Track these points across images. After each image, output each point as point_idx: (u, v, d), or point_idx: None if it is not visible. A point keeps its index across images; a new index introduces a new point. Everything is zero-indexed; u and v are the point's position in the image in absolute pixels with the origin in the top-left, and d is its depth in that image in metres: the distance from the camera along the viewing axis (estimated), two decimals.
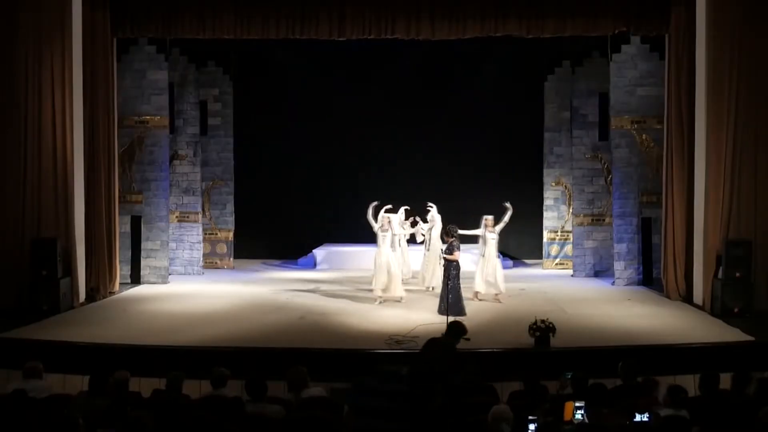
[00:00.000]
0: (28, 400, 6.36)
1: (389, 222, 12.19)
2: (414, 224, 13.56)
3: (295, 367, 6.90)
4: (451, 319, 10.18)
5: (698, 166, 11.88)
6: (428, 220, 13.31)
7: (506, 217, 12.10)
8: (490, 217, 12.21)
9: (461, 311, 10.75)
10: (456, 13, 12.38)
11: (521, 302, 12.12)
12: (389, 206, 12.67)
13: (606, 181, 14.87)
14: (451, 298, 10.70)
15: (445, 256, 11.08)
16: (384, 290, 11.89)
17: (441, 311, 10.76)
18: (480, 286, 12.13)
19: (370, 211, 12.24)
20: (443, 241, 11.66)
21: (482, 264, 12.13)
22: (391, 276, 11.85)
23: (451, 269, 10.93)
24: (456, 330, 8.05)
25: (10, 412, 5.99)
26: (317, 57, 15.77)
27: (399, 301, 11.84)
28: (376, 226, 12.11)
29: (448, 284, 10.81)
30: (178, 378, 6.86)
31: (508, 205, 12.11)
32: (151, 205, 14.25)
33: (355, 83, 16.44)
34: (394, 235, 12.27)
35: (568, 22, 12.40)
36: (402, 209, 13.38)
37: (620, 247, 13.85)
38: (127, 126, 14.02)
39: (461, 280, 11.11)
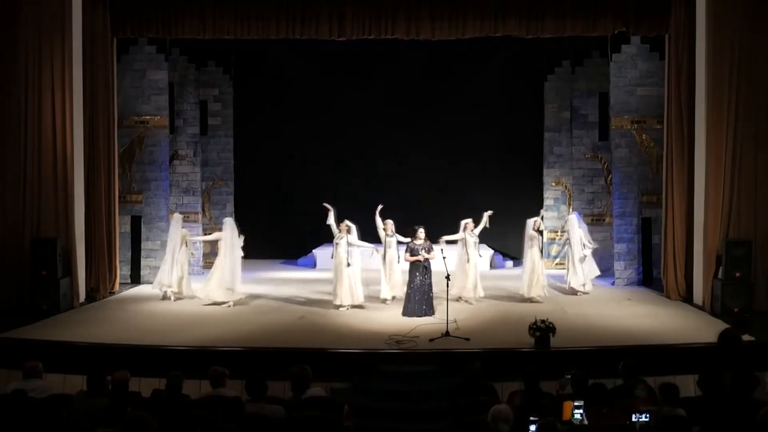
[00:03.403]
0: (28, 400, 6.36)
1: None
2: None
3: (300, 367, 6.88)
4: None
5: (698, 166, 11.88)
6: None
7: (486, 221, 12.09)
8: (470, 221, 12.12)
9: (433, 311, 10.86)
10: (456, 13, 12.40)
11: (521, 302, 12.11)
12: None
13: (606, 181, 14.89)
14: (427, 297, 10.90)
15: (426, 255, 11.00)
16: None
17: (426, 312, 10.87)
18: (470, 291, 12.05)
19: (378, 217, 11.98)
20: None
21: (468, 268, 12.04)
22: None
23: (425, 268, 10.98)
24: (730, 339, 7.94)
25: (10, 412, 5.99)
26: (317, 57, 15.77)
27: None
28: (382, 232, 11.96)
29: (425, 283, 10.91)
30: (178, 378, 6.86)
31: (488, 213, 12.12)
32: (151, 205, 14.26)
33: (356, 83, 16.44)
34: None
35: (567, 22, 12.41)
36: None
37: (620, 247, 13.87)
38: (127, 126, 14.03)
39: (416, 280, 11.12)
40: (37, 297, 11.22)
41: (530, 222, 12.33)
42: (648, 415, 5.72)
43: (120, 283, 13.45)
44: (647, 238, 13.88)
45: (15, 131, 11.59)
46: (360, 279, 11.66)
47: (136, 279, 14.13)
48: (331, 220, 11.66)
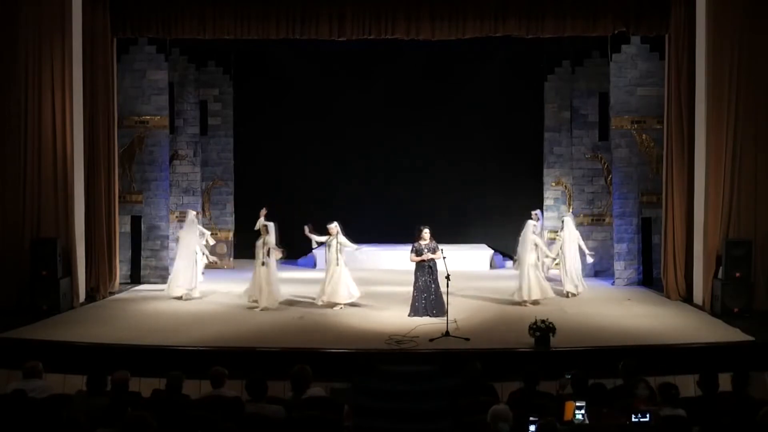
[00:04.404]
0: (28, 400, 6.36)
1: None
2: None
3: (300, 367, 6.88)
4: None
5: (698, 166, 11.88)
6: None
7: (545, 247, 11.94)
8: (539, 223, 11.88)
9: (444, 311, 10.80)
10: (456, 13, 12.39)
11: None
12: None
13: (606, 181, 14.88)
14: (435, 297, 10.85)
15: (431, 255, 10.94)
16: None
17: (437, 313, 10.79)
18: (547, 291, 11.84)
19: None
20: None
21: (540, 269, 11.83)
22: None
23: (431, 268, 10.96)
24: None
25: (10, 412, 5.99)
26: (317, 57, 15.77)
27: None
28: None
29: (431, 283, 10.89)
30: (178, 378, 6.86)
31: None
32: (151, 205, 14.26)
33: (356, 83, 16.44)
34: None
35: (567, 22, 12.41)
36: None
37: (620, 247, 13.87)
38: (127, 126, 14.03)
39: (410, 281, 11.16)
40: (37, 297, 11.22)
41: (569, 220, 12.53)
42: (648, 415, 5.72)
43: (120, 283, 13.45)
44: (647, 238, 13.88)
45: (15, 131, 11.58)
46: (277, 279, 11.87)
47: (136, 279, 14.12)
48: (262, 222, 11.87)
